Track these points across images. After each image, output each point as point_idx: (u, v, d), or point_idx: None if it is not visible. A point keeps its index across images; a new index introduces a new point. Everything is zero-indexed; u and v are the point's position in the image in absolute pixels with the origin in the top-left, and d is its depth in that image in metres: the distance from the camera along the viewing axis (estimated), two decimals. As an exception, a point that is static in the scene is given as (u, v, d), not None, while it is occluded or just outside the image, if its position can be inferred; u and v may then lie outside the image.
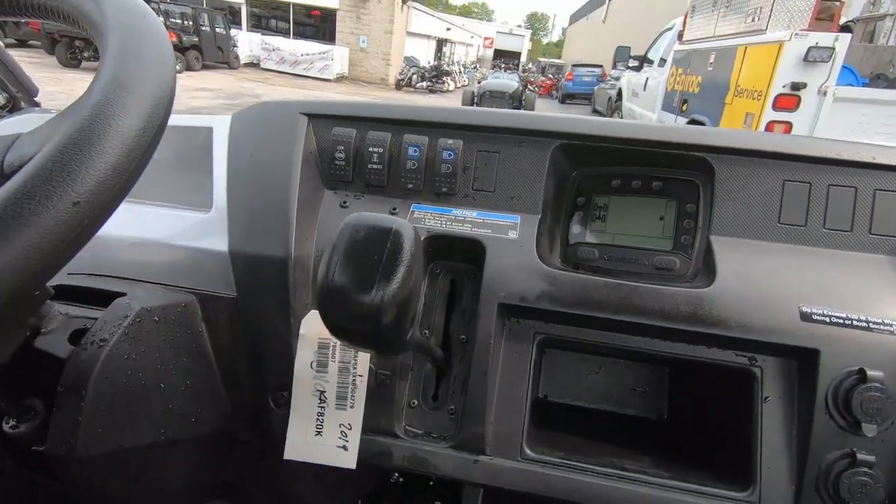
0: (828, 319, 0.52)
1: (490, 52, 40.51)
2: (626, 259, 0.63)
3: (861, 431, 0.50)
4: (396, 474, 1.11)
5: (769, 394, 0.54)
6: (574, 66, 19.65)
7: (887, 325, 0.51)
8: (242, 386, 0.62)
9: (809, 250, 0.57)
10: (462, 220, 0.63)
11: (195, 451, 0.63)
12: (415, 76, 17.98)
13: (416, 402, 0.61)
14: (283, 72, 16.70)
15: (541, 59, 40.40)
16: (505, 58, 39.32)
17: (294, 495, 0.75)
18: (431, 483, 1.06)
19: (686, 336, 0.56)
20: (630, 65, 8.28)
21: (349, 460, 0.57)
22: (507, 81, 12.97)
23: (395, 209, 0.64)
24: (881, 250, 0.56)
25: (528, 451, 0.57)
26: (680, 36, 6.25)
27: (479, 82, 16.41)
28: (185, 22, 13.70)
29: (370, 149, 0.64)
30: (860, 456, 0.49)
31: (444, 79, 18.16)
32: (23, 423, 0.48)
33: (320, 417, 0.58)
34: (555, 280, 0.58)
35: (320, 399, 0.58)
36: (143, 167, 0.32)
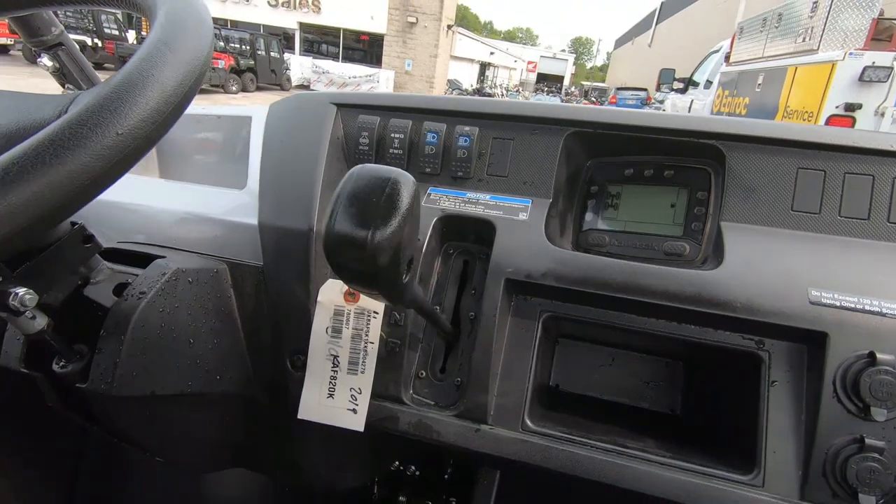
0: (838, 304, 0.51)
1: (533, 76, 40.86)
2: (637, 245, 0.64)
3: (871, 416, 0.48)
4: (413, 467, 1.12)
5: (777, 378, 0.53)
6: (618, 89, 19.49)
7: None
8: (263, 350, 0.66)
9: (823, 237, 0.56)
10: (475, 202, 0.66)
11: (218, 409, 0.68)
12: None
13: (424, 374, 0.64)
14: (332, 93, 17.41)
15: (584, 82, 40.34)
16: (548, 81, 39.56)
17: (308, 467, 0.78)
18: (447, 476, 1.07)
19: (692, 317, 0.56)
20: (675, 87, 8.17)
21: (358, 423, 0.60)
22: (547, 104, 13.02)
23: None
24: None
25: (529, 424, 0.58)
26: (727, 58, 6.13)
27: (520, 104, 16.46)
28: (243, 46, 14.63)
29: (392, 135, 0.69)
30: (869, 441, 0.48)
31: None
32: (70, 363, 0.54)
33: (333, 381, 0.61)
34: (561, 259, 0.59)
35: (333, 363, 0.61)
36: (179, 114, 0.37)
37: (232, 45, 14.54)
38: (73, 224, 0.50)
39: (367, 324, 0.60)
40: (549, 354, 0.72)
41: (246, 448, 0.75)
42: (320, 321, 0.61)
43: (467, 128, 0.67)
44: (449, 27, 22.53)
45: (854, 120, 3.65)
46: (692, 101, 7.29)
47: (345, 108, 0.71)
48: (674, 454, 0.54)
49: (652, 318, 0.58)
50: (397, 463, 1.12)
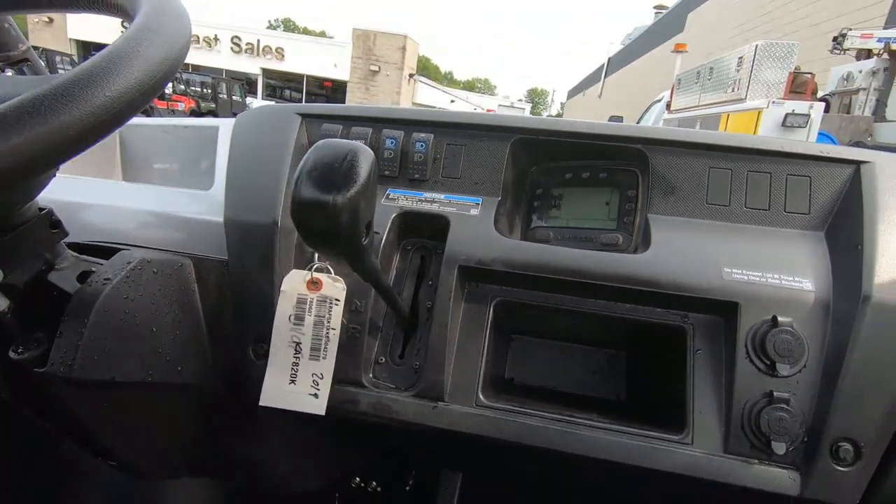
0: (746, 278, 0.59)
1: (492, 124, 42.40)
2: (577, 238, 0.71)
3: (777, 372, 0.55)
4: (374, 483, 1.12)
5: (700, 347, 0.60)
6: (572, 136, 20.56)
7: (797, 281, 0.58)
8: (225, 341, 0.67)
9: (733, 226, 0.65)
10: (431, 200, 0.71)
11: (177, 403, 0.68)
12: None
13: (383, 359, 0.67)
14: (294, 136, 17.52)
15: (541, 130, 42.16)
16: (506, 129, 41.13)
17: (266, 468, 0.78)
18: (408, 488, 1.07)
19: (626, 295, 0.62)
20: (623, 133, 8.73)
21: (319, 407, 0.61)
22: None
23: None
24: (793, 225, 0.64)
25: (483, 399, 0.61)
26: (668, 106, 6.65)
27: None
28: (204, 90, 14.70)
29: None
30: (777, 394, 0.54)
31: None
32: (28, 350, 0.54)
33: (295, 367, 0.63)
34: (509, 247, 0.65)
35: (296, 350, 0.63)
36: (159, 89, 0.41)
37: (193, 88, 14.58)
38: (41, 209, 0.52)
39: (329, 311, 0.63)
40: (503, 348, 0.77)
41: (202, 450, 0.75)
42: (283, 309, 0.63)
43: (423, 134, 0.73)
44: (411, 76, 23.40)
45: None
46: (639, 145, 7.81)
47: (309, 118, 0.76)
48: (617, 422, 0.59)
49: (591, 298, 0.64)
50: (358, 480, 1.11)
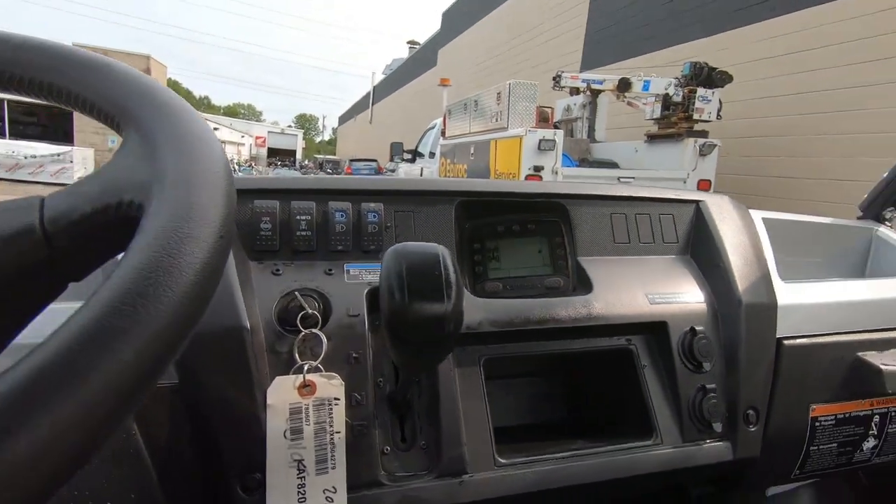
0: (665, 300, 0.76)
1: (264, 151, 40.40)
2: (524, 286, 0.79)
3: (703, 369, 0.73)
4: None
5: (645, 362, 0.74)
6: (351, 160, 21.04)
7: (694, 296, 0.78)
8: (194, 488, 0.53)
9: (637, 258, 0.82)
10: None
11: None
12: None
13: (388, 449, 0.63)
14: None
15: (317, 155, 42.01)
16: (280, 155, 39.66)
17: None
18: None
19: (582, 332, 0.73)
20: (405, 158, 9.37)
21: (341, 525, 0.54)
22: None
23: (330, 270, 0.67)
24: (671, 252, 0.84)
25: (500, 460, 0.64)
26: (443, 133, 7.42)
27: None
28: None
29: (298, 217, 0.67)
30: (707, 386, 0.72)
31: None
32: None
33: (301, 489, 0.54)
34: (491, 307, 0.69)
35: (298, 469, 0.54)
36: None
37: None
38: None
39: (330, 414, 0.57)
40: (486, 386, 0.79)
41: None
42: (275, 426, 0.54)
43: (373, 204, 0.71)
44: (161, 101, 20.47)
45: (541, 178, 4.90)
46: (422, 168, 8.49)
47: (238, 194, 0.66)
48: (608, 442, 0.69)
49: (554, 340, 0.73)
50: None
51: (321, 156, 37.83)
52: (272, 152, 40.87)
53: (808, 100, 5.17)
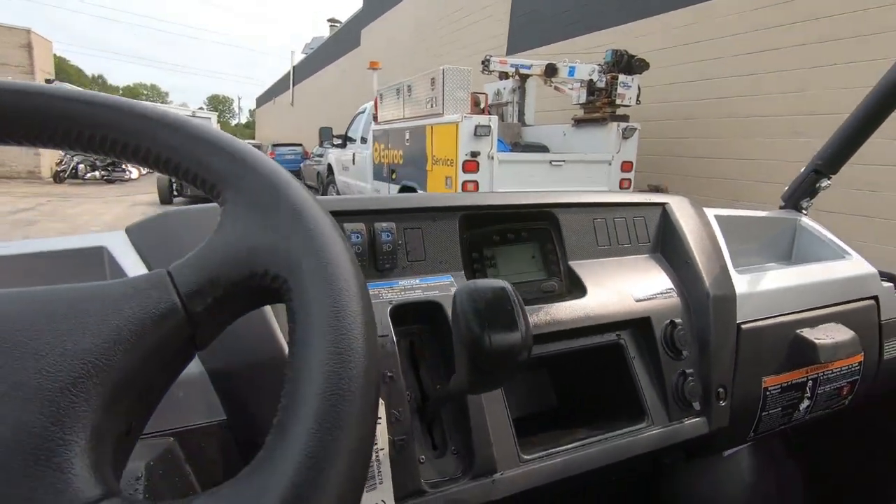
0: (647, 297, 0.85)
1: (173, 136, 37.20)
2: (522, 291, 0.85)
3: (682, 356, 0.83)
4: None
5: (633, 354, 0.84)
6: (275, 145, 20.02)
7: (668, 291, 0.88)
8: None
9: (618, 259, 0.91)
10: (411, 288, 0.73)
11: None
12: (82, 165, 14.96)
13: (423, 458, 0.66)
14: None
15: (233, 140, 39.40)
16: (192, 140, 36.77)
17: None
18: None
19: (580, 332, 0.81)
20: (335, 143, 9.10)
21: (393, 535, 0.58)
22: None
23: None
24: (645, 252, 0.94)
25: (523, 456, 0.70)
26: (375, 118, 7.29)
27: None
28: None
29: None
30: (686, 371, 0.83)
31: (125, 166, 15.71)
32: None
33: (355, 508, 0.57)
34: None
35: (351, 489, 0.57)
36: None
37: None
38: None
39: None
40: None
41: None
42: None
43: (385, 224, 0.73)
44: (48, 81, 18.28)
45: (478, 163, 5.00)
46: (354, 154, 8.31)
47: None
48: (610, 426, 0.77)
49: (553, 342, 0.80)
50: None
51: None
52: (183, 137, 37.76)
53: (712, 86, 5.68)
